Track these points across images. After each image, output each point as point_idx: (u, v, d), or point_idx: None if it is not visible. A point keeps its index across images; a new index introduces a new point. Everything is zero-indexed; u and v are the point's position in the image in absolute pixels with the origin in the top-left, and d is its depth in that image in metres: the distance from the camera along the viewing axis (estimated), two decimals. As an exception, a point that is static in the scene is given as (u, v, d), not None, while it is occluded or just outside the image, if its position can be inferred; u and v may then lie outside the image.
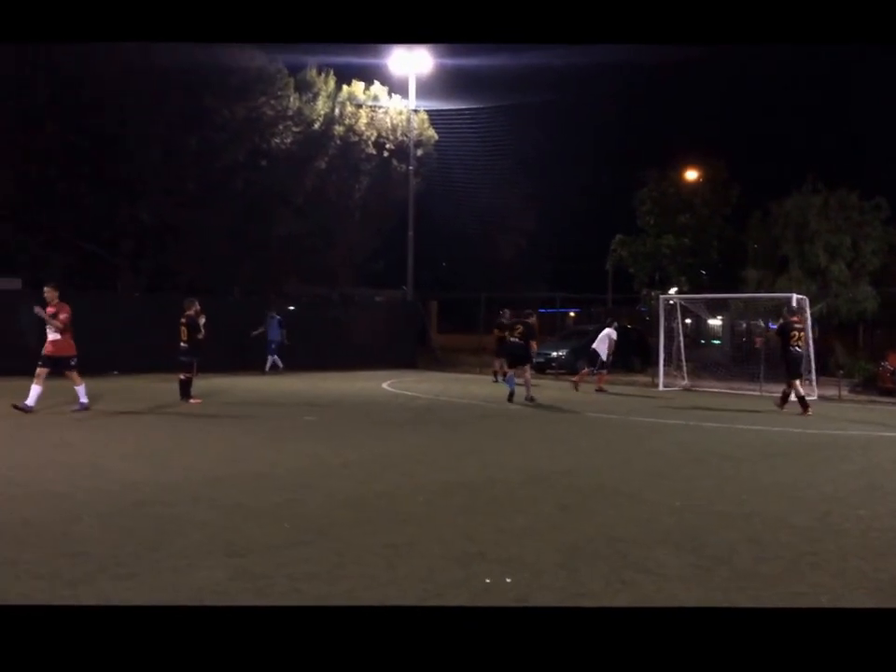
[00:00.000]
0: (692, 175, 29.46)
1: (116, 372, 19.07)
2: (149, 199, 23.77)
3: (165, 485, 7.20)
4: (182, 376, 13.93)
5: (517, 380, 15.49)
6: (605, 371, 18.40)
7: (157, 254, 25.67)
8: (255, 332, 21.27)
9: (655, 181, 28.16)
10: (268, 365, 21.37)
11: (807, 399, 14.74)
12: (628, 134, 46.22)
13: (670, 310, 20.62)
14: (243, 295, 25.85)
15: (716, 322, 26.04)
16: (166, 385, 15.08)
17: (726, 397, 17.82)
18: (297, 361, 22.09)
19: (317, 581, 4.68)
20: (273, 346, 21.42)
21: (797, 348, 14.50)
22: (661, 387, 19.30)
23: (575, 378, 18.59)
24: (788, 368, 14.52)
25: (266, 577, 4.73)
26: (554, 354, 23.82)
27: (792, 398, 14.49)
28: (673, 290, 26.03)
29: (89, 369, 18.13)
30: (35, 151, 22.01)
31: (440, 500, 6.89)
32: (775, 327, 16.54)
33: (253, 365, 21.18)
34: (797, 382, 14.40)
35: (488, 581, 4.74)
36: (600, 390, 17.95)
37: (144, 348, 19.48)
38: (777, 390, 17.26)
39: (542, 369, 22.89)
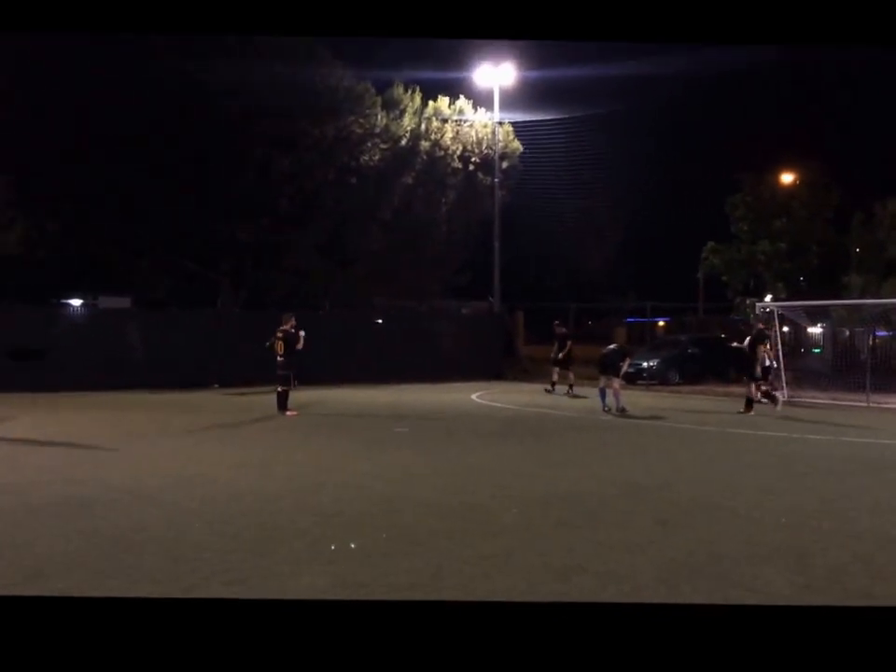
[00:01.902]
0: (788, 177, 28.57)
1: (217, 385, 19.75)
2: (245, 218, 24.57)
3: (268, 494, 7.43)
4: (280, 389, 14.30)
5: (608, 390, 15.34)
6: (759, 381, 17.95)
7: (253, 271, 26.51)
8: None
9: (749, 185, 27.43)
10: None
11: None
12: (720, 139, 45.21)
13: (767, 318, 20.02)
14: (334, 309, 26.40)
15: (816, 330, 25.10)
16: (265, 398, 15.53)
17: (829, 408, 17.17)
18: (386, 374, 22.38)
19: (416, 590, 4.75)
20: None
21: (765, 354, 16.04)
22: (759, 398, 18.71)
23: (760, 391, 18.02)
24: (752, 370, 15.91)
25: (366, 585, 4.83)
26: (645, 364, 23.38)
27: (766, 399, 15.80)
28: (769, 298, 25.26)
29: (192, 382, 18.94)
30: (140, 176, 23.06)
31: (534, 512, 6.88)
32: (883, 334, 16.39)
33: (347, 377, 21.53)
34: (753, 385, 15.91)
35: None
36: (759, 401, 17.50)
37: (243, 361, 20.09)
38: (885, 401, 16.56)
39: (633, 379, 22.53)
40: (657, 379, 23.07)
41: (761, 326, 16.70)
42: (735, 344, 17.19)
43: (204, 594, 4.62)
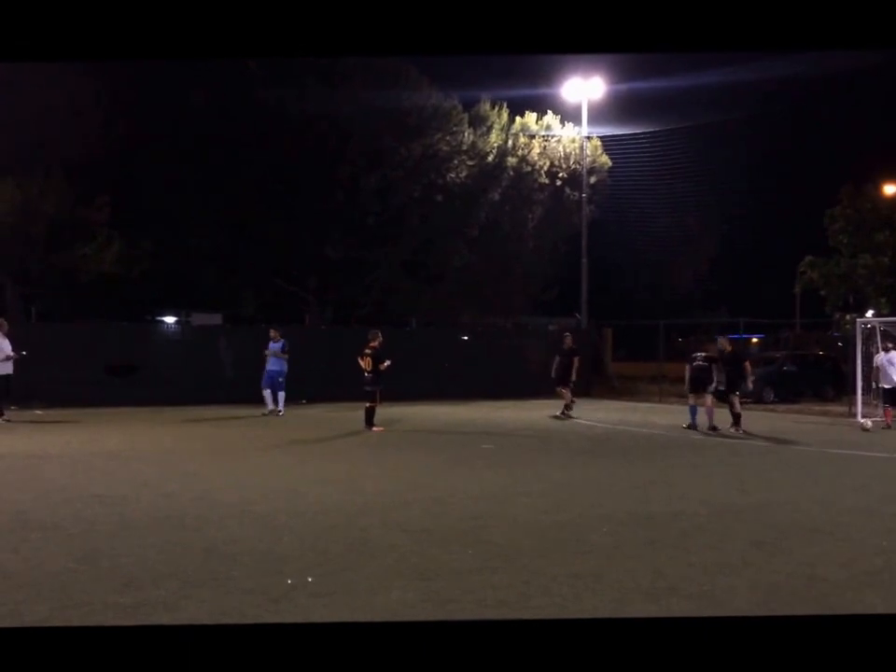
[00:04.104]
0: (890, 188, 27.41)
1: (304, 401, 20.11)
2: (333, 236, 25.08)
3: (355, 509, 7.50)
4: (368, 404, 14.47)
5: (699, 408, 14.98)
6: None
7: (340, 288, 27.00)
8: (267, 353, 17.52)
9: (849, 197, 26.41)
10: (269, 402, 17.32)
11: None
12: (816, 150, 43.73)
13: (868, 334, 19.15)
14: (420, 326, 26.61)
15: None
16: (351, 414, 15.73)
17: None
18: (472, 391, 22.37)
19: (505, 607, 4.71)
20: (281, 380, 17.31)
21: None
22: (858, 418, 17.89)
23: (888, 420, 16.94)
24: (736, 386, 15.25)
25: (455, 601, 4.81)
26: (739, 382, 22.67)
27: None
28: (870, 313, 24.21)
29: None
30: (231, 197, 23.87)
31: (624, 531, 6.75)
32: None
33: (434, 394, 21.58)
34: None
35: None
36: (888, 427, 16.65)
37: (329, 378, 20.43)
38: None
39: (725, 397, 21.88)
40: (751, 397, 22.33)
41: (729, 348, 15.99)
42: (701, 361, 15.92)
43: (292, 606, 4.69)
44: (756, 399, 22.21)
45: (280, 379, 17.30)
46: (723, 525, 7.08)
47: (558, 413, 17.91)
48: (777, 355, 25.94)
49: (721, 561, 5.80)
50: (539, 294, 30.60)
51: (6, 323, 15.87)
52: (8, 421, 15.03)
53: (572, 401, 18.04)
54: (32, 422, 15.32)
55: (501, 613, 4.60)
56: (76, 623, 4.38)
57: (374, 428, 14.28)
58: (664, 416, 18.15)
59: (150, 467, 10.12)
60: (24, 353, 15.87)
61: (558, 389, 18.27)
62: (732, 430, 14.78)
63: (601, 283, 33.03)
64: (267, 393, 17.35)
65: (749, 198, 43.10)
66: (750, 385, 15.53)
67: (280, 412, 17.23)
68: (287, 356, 17.38)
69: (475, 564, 5.65)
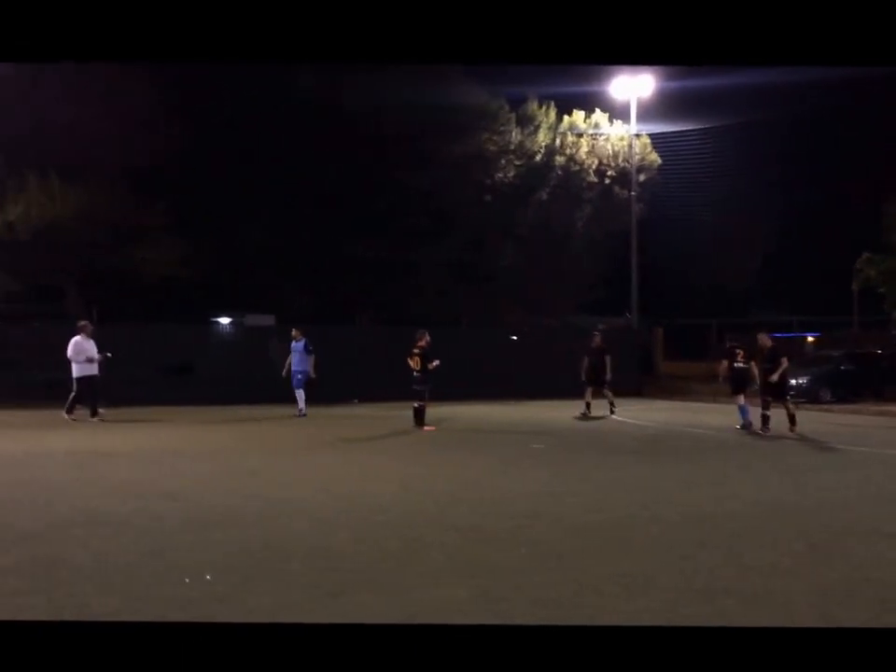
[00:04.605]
0: (951, 182, 26.62)
1: (356, 400, 20.37)
2: (382, 237, 25.32)
3: (407, 507, 7.61)
4: (416, 404, 14.60)
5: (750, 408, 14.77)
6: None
7: (390, 288, 27.22)
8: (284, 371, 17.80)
9: (907, 191, 25.73)
10: (301, 403, 17.46)
11: None
12: (875, 143, 42.58)
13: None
14: (470, 326, 26.66)
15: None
16: (402, 413, 15.88)
17: None
18: (521, 390, 22.36)
19: (557, 607, 4.74)
20: (300, 376, 17.49)
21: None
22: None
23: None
24: (781, 388, 14.55)
25: (506, 599, 4.86)
26: (793, 381, 22.26)
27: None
28: (931, 310, 23.58)
29: (333, 397, 19.62)
30: (286, 200, 24.27)
31: (675, 532, 6.72)
32: None
33: (483, 394, 21.63)
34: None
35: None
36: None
37: (380, 378, 20.64)
38: None
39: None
40: (807, 397, 21.90)
41: (769, 344, 14.97)
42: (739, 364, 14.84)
43: (347, 601, 4.79)
44: (812, 398, 21.80)
45: (299, 376, 17.43)
46: (777, 525, 7.01)
47: (606, 413, 17.84)
48: (835, 354, 25.38)
49: (775, 562, 5.75)
50: (589, 293, 30.45)
51: (90, 325, 16.36)
52: (83, 420, 15.63)
53: (612, 403, 17.97)
54: (97, 420, 15.81)
55: (552, 612, 4.63)
56: (142, 615, 4.55)
57: (425, 428, 14.40)
58: (716, 417, 17.92)
59: (210, 464, 10.38)
60: (110, 354, 16.28)
61: (588, 390, 18.03)
62: (778, 430, 14.53)
63: (652, 282, 32.67)
64: (299, 392, 17.42)
65: (805, 194, 42.19)
66: (775, 378, 14.40)
67: (300, 410, 17.31)
68: (312, 355, 17.51)
69: (525, 562, 5.70)
